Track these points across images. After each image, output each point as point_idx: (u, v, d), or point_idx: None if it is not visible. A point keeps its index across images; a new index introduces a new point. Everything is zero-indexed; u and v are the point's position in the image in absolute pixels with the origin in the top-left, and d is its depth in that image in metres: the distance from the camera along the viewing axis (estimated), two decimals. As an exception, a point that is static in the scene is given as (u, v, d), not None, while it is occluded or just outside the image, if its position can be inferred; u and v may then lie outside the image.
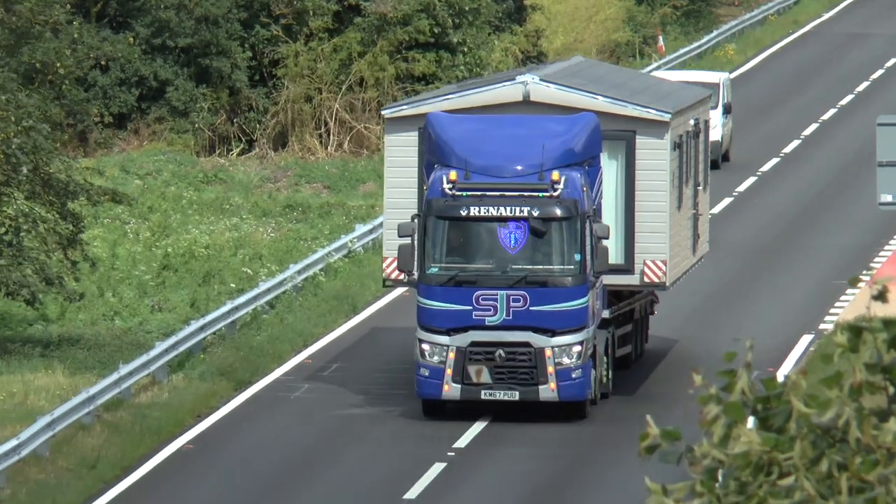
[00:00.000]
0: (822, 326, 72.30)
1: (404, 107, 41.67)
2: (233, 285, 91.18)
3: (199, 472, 63.10)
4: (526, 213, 36.34)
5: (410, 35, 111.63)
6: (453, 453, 38.30)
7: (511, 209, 36.12)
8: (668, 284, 41.43)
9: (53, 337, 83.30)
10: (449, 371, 36.76)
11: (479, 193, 36.59)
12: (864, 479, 11.68)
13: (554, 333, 36.43)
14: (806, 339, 69.48)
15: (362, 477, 43.93)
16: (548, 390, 36.31)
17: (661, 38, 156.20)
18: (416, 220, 36.79)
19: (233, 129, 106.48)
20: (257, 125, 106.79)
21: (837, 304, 79.87)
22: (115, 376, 78.05)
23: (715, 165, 71.81)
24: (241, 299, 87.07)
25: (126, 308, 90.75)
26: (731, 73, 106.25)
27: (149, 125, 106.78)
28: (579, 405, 37.05)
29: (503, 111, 39.69)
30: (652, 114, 38.95)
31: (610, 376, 40.28)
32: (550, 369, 36.18)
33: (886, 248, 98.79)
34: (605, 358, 39.39)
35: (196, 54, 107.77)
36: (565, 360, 35.47)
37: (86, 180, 74.79)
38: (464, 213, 36.28)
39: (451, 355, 36.38)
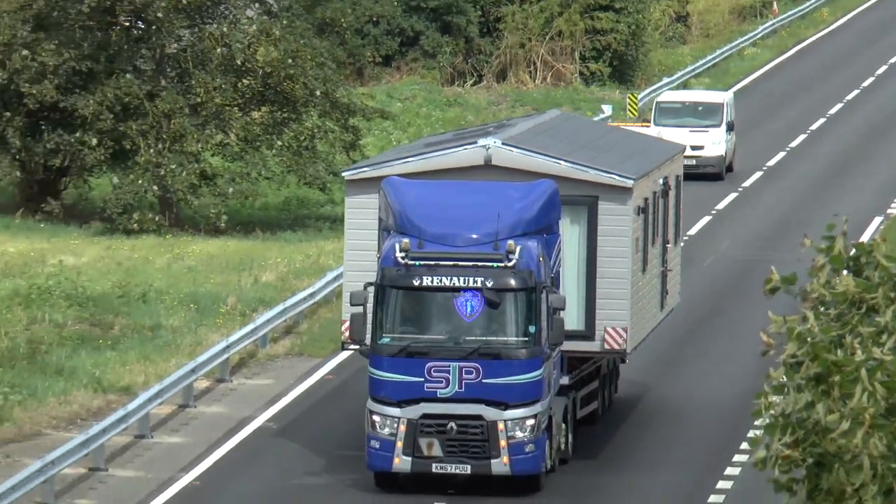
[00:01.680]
0: (888, 211, 69.86)
1: (365, 168, 34.13)
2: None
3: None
4: (480, 284, 29.05)
5: (595, 0, 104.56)
6: None
7: (465, 279, 29.01)
8: (628, 351, 34.02)
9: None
10: (399, 444, 29.48)
11: (432, 263, 29.35)
12: None
13: (507, 406, 29.32)
14: (877, 220, 66.48)
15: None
16: (500, 464, 29.48)
17: (775, 2, 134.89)
18: (368, 289, 29.93)
19: (467, 67, 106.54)
20: (485, 64, 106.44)
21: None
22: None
23: (719, 177, 65.12)
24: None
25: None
26: (756, 72, 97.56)
27: (407, 64, 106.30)
28: (533, 479, 30.26)
29: (464, 175, 31.83)
30: (615, 179, 31.91)
31: (570, 441, 33.80)
32: (503, 443, 29.19)
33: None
34: (563, 425, 33.06)
35: (441, 13, 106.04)
36: (518, 434, 28.85)
37: (362, 103, 75.90)
38: (416, 283, 29.15)
39: (402, 427, 29.25)
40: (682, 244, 40.03)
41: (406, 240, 27.30)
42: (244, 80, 66.53)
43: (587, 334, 29.32)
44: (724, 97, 68.96)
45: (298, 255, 73.09)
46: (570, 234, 29.23)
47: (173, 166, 63.77)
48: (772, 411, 13.30)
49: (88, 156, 64.76)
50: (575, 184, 28.68)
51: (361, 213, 29.45)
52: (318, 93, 69.20)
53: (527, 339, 27.01)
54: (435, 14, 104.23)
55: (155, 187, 64.24)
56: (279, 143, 68.03)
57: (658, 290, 34.83)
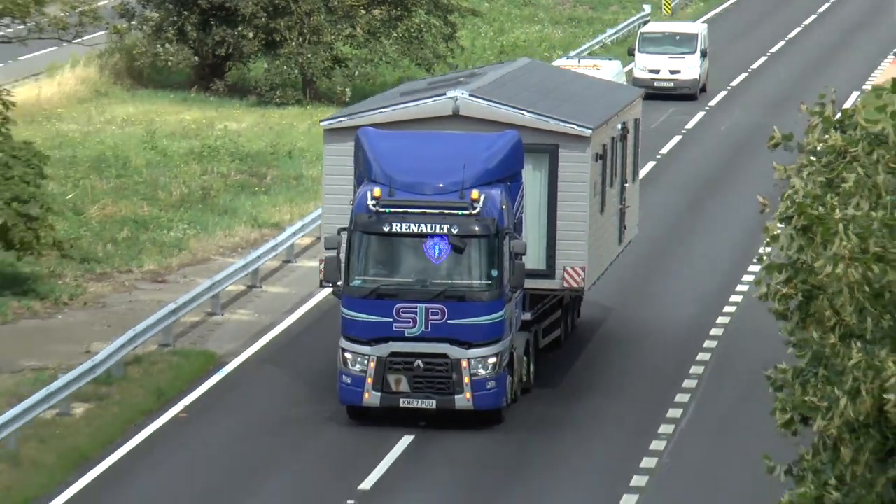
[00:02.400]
0: (864, 87, 65.90)
1: (341, 118, 30.69)
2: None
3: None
4: (446, 230, 26.83)
5: None
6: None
7: (432, 226, 26.53)
8: (586, 289, 31.59)
9: None
10: (369, 380, 27.08)
11: (401, 210, 27.08)
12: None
13: (470, 346, 27.15)
14: (855, 94, 62.98)
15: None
16: (463, 400, 27.28)
17: None
18: (341, 234, 27.56)
19: None
20: None
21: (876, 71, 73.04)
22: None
23: (693, 97, 61.27)
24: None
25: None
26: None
27: None
28: (494, 413, 28.11)
29: (434, 125, 29.13)
30: (574, 129, 29.25)
31: (532, 371, 31.48)
32: (466, 380, 26.93)
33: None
34: (525, 358, 30.86)
35: None
36: (481, 371, 26.75)
37: (458, 3, 70.76)
38: (386, 229, 26.66)
39: (372, 364, 26.91)
40: (639, 181, 36.66)
41: (377, 188, 25.14)
42: None
43: (548, 273, 27.11)
44: (698, 28, 65.14)
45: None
46: (533, 180, 27.03)
47: (310, 55, 62.79)
48: (767, 259, 13.39)
49: (246, 46, 64.12)
50: (537, 133, 26.32)
51: (339, 161, 26.86)
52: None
53: (489, 282, 25.06)
54: None
55: (296, 71, 63.32)
56: (395, 34, 66.43)
57: (616, 227, 32.49)
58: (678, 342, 35.21)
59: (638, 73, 60.88)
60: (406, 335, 25.08)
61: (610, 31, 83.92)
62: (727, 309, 37.42)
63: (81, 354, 33.36)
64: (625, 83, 57.52)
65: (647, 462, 26.90)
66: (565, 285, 27.35)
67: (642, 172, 44.86)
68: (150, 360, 34.36)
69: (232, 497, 25.45)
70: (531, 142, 26.86)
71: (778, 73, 77.21)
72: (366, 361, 25.00)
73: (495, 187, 25.67)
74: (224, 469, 27.34)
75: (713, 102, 61.84)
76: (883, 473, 11.64)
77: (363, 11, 65.10)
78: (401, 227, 24.95)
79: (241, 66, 67.45)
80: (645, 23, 79.47)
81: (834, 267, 11.70)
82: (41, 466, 28.16)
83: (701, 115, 59.76)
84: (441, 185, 25.33)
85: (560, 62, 59.19)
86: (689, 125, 59.07)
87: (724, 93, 64.96)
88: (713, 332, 35.30)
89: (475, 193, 24.73)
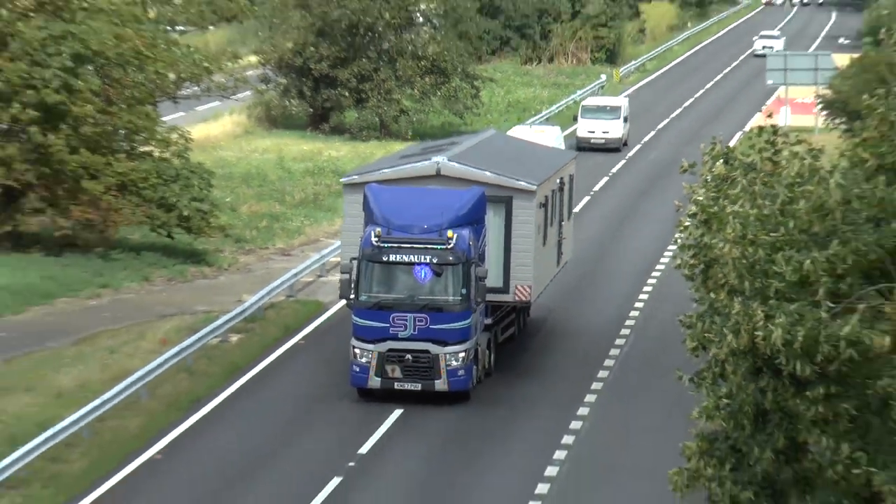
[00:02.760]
0: (744, 130, 58.14)
1: (355, 176, 28.70)
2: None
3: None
4: (428, 260, 25.32)
5: (598, 21, 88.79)
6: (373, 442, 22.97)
7: (418, 257, 25.28)
8: (531, 301, 29.82)
9: (469, 129, 76.39)
10: (372, 369, 25.70)
11: (396, 245, 25.38)
12: (767, 182, 11.53)
13: (446, 344, 25.74)
14: (738, 134, 55.82)
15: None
16: (441, 384, 25.62)
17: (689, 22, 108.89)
18: (352, 262, 25.90)
19: (533, 55, 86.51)
20: (543, 54, 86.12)
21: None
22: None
23: (618, 149, 56.14)
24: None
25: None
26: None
27: (503, 53, 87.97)
28: (463, 393, 26.52)
29: (422, 182, 27.13)
30: (523, 185, 27.89)
31: (492, 360, 29.68)
32: (443, 369, 25.54)
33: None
34: (487, 352, 29.14)
35: (521, 27, 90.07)
36: (454, 363, 25.11)
37: (480, 73, 65.37)
38: (385, 259, 25.17)
39: (374, 357, 25.60)
40: (573, 219, 34.02)
41: (379, 229, 23.83)
42: (421, 62, 60.99)
43: (504, 290, 25.85)
44: (622, 101, 59.94)
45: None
46: (495, 221, 25.56)
47: (384, 107, 60.66)
48: (680, 241, 13.09)
49: (343, 101, 62.26)
50: (497, 188, 24.94)
51: (353, 207, 25.26)
52: (458, 68, 64.10)
53: (460, 298, 23.61)
54: (518, 28, 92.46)
55: (376, 118, 61.16)
56: (439, 93, 63.33)
57: (555, 254, 30.91)
58: (603, 332, 32.78)
59: (580, 133, 56.26)
60: (399, 336, 23.77)
61: (579, 92, 79.19)
62: (637, 305, 34.05)
63: (235, 302, 32.64)
64: (563, 143, 52.86)
65: (575, 425, 24.58)
66: (516, 298, 26.19)
67: (580, 205, 42.57)
68: (280, 307, 33.92)
69: (273, 449, 22.80)
70: (493, 194, 25.61)
71: (682, 125, 70.22)
72: (369, 355, 23.85)
73: (465, 228, 24.29)
74: (281, 414, 25.02)
75: (631, 153, 57.58)
76: (753, 383, 11.06)
77: (419, 79, 62.01)
78: (396, 258, 23.75)
79: (339, 114, 65.90)
80: (593, 96, 73.56)
81: (723, 247, 11.27)
82: (209, 375, 27.72)
83: (623, 162, 55.37)
84: (425, 226, 23.97)
85: (517, 128, 55.19)
86: (614, 169, 55.36)
87: (638, 146, 59.43)
88: (627, 322, 32.35)
89: (450, 233, 23.55)
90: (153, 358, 27.45)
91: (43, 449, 20.94)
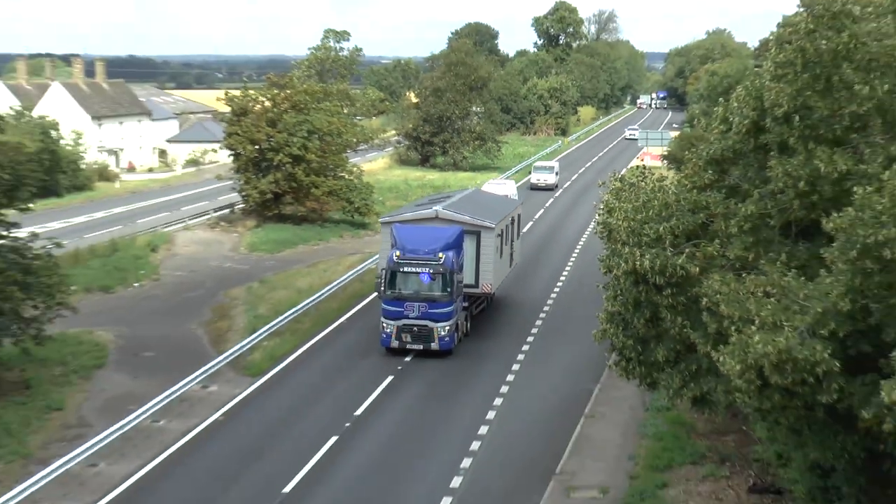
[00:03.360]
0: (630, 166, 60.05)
1: (387, 218, 33.76)
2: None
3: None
4: (427, 270, 29.52)
5: (558, 112, 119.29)
6: (400, 367, 30.46)
7: (421, 268, 29.49)
8: (493, 293, 33.28)
9: (495, 166, 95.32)
10: (394, 335, 29.66)
11: (408, 261, 29.66)
12: (638, 191, 17.67)
13: (437, 321, 29.21)
14: (624, 169, 47.68)
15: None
16: (435, 345, 29.49)
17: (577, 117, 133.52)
18: (382, 271, 29.56)
19: (528, 130, 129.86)
20: (531, 128, 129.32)
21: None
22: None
23: (552, 190, 68.12)
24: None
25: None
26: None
27: (511, 130, 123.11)
28: (449, 351, 29.57)
29: (427, 222, 31.94)
30: (487, 224, 31.51)
31: (468, 326, 32.03)
32: (436, 337, 29.48)
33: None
34: (465, 323, 31.80)
35: (519, 116, 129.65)
36: (442, 333, 29.34)
37: (500, 141, 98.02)
38: (401, 269, 29.43)
39: (395, 329, 29.39)
40: (521, 238, 37.75)
41: (398, 251, 26.88)
42: (472, 134, 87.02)
43: (475, 286, 29.39)
44: (555, 163, 68.69)
45: (482, 177, 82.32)
46: (471, 245, 28.54)
47: (455, 154, 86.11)
48: (596, 220, 18.82)
49: (436, 152, 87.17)
50: (472, 225, 28.92)
51: (385, 236, 29.22)
52: (490, 137, 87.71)
53: (446, 293, 26.43)
54: (519, 118, 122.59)
55: (452, 160, 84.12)
56: (480, 149, 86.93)
57: (508, 261, 34.06)
58: (535, 302, 35.80)
59: (532, 181, 65.33)
60: (409, 316, 27.89)
61: (548, 149, 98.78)
62: (559, 284, 38.16)
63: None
64: (516, 190, 57.51)
65: (517, 363, 28.72)
66: (483, 291, 30.31)
67: (527, 226, 45.52)
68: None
69: (298, 410, 25.07)
70: (469, 229, 29.28)
71: (593, 168, 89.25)
72: (392, 328, 27.91)
73: (450, 251, 28.18)
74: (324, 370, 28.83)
75: (560, 191, 65.16)
76: (634, 288, 16.54)
77: (471, 142, 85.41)
78: (408, 269, 27.99)
79: (434, 158, 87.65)
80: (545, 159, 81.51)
81: (618, 223, 16.81)
82: (367, 284, 37.26)
83: (558, 193, 64.31)
84: (426, 251, 27.92)
85: (490, 181, 60.87)
86: (548, 203, 64.49)
87: (567, 183, 69.09)
88: (552, 295, 36.37)
89: (440, 255, 27.58)
90: (345, 273, 37.14)
91: (292, 317, 30.87)
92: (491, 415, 24.16)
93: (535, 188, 67.91)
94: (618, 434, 24.51)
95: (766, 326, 12.93)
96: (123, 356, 28.78)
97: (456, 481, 19.89)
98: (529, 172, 69.86)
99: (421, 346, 28.18)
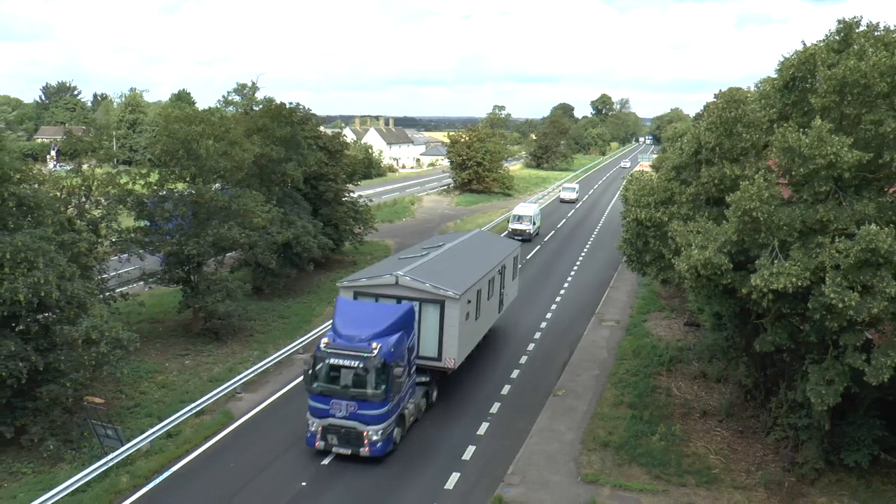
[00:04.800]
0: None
1: (345, 282, 29.78)
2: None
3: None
4: (357, 365, 25.38)
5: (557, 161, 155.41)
6: (316, 471, 24.77)
7: (351, 360, 25.41)
8: (454, 368, 29.16)
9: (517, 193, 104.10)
10: (318, 435, 25.90)
11: (337, 351, 25.52)
12: (639, 181, 24.86)
13: (368, 424, 25.38)
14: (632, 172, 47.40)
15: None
16: (364, 451, 25.69)
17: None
18: (311, 357, 25.70)
19: (541, 160, 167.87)
20: (551, 158, 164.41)
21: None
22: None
23: (530, 239, 67.29)
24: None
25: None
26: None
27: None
28: (380, 458, 25.46)
29: (388, 289, 28.13)
30: (451, 294, 27.97)
31: (435, 396, 29.95)
32: (366, 441, 25.56)
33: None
34: (423, 401, 29.08)
35: (541, 154, 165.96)
36: (374, 437, 25.50)
37: (513, 185, 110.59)
38: (329, 361, 25.43)
39: (320, 429, 25.67)
40: (518, 278, 36.58)
41: (327, 339, 25.06)
42: (560, 153, 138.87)
43: (438, 359, 28.04)
44: (535, 209, 66.09)
45: (563, 174, 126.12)
46: (434, 314, 27.43)
47: (484, 185, 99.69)
48: (620, 195, 30.20)
49: (473, 186, 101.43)
50: (435, 295, 26.76)
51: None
52: (570, 155, 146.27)
53: (379, 391, 24.52)
54: (581, 146, 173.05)
55: (550, 166, 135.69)
56: (564, 161, 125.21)
57: (496, 310, 33.43)
58: (531, 321, 39.31)
59: (511, 227, 63.82)
60: (336, 416, 24.60)
61: (595, 161, 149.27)
62: (554, 306, 42.19)
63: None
64: (539, 213, 64.31)
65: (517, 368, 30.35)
66: (446, 365, 27.67)
67: (573, 211, 65.29)
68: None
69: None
70: (431, 298, 26.90)
71: (600, 188, 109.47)
72: (317, 426, 24.75)
73: (395, 335, 24.75)
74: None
75: (546, 238, 64.33)
76: (638, 232, 25.33)
77: (560, 157, 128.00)
78: (336, 361, 24.53)
79: (542, 164, 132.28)
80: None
81: (629, 195, 24.74)
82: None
83: (537, 248, 61.59)
84: (361, 337, 24.63)
85: (521, 204, 66.46)
86: (588, 193, 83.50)
87: (548, 235, 65.93)
88: (547, 316, 39.68)
89: (375, 345, 24.30)
90: (499, 217, 70.93)
91: (475, 232, 40.73)
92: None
93: (563, 201, 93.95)
94: (624, 296, 45.72)
95: (698, 247, 19.51)
96: (398, 251, 48.12)
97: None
98: (508, 221, 73.91)
99: (349, 451, 25.15)
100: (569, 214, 78.97)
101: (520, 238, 62.12)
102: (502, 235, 51.97)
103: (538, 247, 59.91)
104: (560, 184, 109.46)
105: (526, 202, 74.51)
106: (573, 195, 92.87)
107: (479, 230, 41.67)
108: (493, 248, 37.34)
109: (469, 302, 28.96)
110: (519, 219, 63.71)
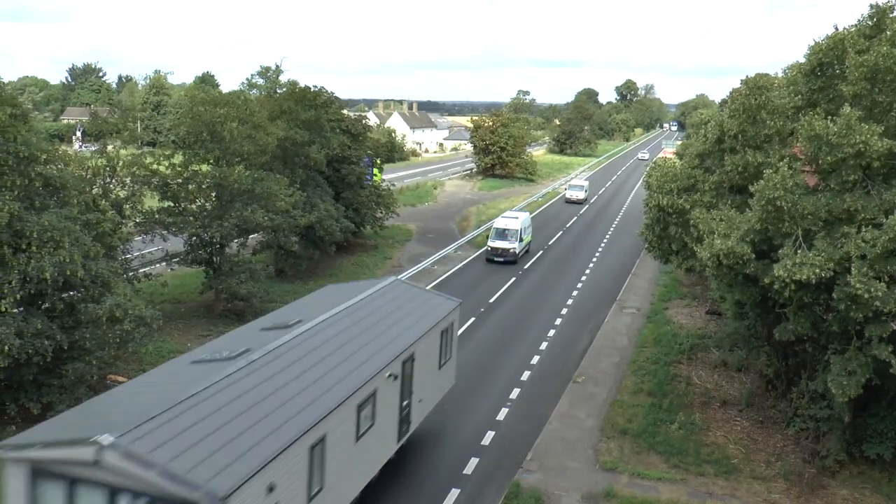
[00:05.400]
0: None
1: (9, 449, 14.61)
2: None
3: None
4: None
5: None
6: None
7: None
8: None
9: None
10: None
11: None
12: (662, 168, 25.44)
13: None
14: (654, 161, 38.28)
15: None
16: None
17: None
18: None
19: (565, 147, 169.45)
20: (572, 145, 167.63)
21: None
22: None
23: (515, 261, 52.08)
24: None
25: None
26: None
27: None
28: None
29: (81, 469, 13.94)
30: (208, 490, 13.27)
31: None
32: None
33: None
34: None
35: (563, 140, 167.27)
36: None
37: (535, 169, 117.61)
38: None
39: None
40: (455, 356, 24.72)
41: None
42: (584, 139, 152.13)
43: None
44: (522, 221, 51.14)
45: (586, 160, 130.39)
46: None
47: (507, 170, 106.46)
48: (642, 183, 29.72)
49: (495, 169, 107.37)
50: (170, 494, 13.10)
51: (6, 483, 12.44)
52: (594, 141, 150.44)
53: None
54: (605, 132, 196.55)
55: (574, 151, 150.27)
56: (588, 147, 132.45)
57: (395, 434, 20.86)
58: (553, 308, 38.73)
59: (489, 246, 49.49)
60: None
61: (618, 148, 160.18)
62: (558, 321, 38.36)
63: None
64: (530, 222, 51.66)
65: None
66: None
67: (508, 284, 41.26)
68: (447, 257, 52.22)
69: None
70: (161, 497, 13.37)
71: (618, 178, 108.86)
72: None
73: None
74: None
75: (535, 259, 48.30)
76: (659, 219, 26.39)
77: (584, 143, 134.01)
78: None
79: (566, 150, 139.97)
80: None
81: (652, 181, 26.80)
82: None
83: (518, 274, 43.34)
84: None
85: (503, 215, 53.06)
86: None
87: (538, 254, 53.62)
88: (548, 336, 34.55)
89: None
90: (522, 202, 75.82)
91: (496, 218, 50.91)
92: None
93: (569, 201, 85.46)
94: (646, 283, 47.07)
95: (720, 235, 19.77)
96: (419, 236, 52.25)
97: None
98: (486, 239, 56.93)
99: None
100: (567, 225, 68.46)
101: (501, 260, 48.42)
102: (482, 251, 48.80)
103: (541, 252, 58.13)
104: (568, 179, 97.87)
105: (512, 210, 58.76)
106: (581, 194, 76.86)
107: (395, 279, 25.84)
108: (398, 324, 22.40)
109: (271, 490, 14.81)
110: (501, 234, 49.19)
